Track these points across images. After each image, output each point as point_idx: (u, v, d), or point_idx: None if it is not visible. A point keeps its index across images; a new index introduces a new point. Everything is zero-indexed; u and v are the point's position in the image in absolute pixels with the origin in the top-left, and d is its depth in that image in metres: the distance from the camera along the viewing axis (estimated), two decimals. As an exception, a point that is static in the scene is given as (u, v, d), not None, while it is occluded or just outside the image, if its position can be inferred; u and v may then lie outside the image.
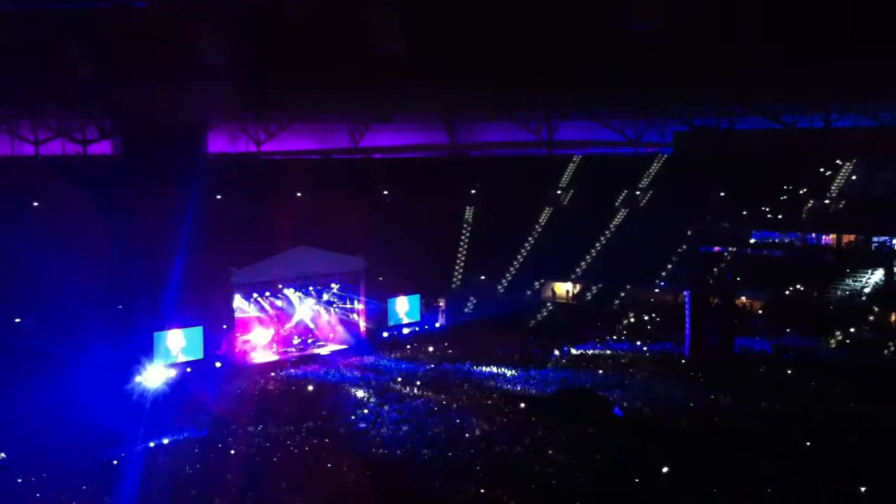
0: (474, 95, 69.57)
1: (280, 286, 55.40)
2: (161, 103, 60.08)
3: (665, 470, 32.73)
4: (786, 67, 53.84)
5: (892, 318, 54.61)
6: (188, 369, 49.59)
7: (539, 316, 64.74)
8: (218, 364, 50.36)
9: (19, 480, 32.80)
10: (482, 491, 31.63)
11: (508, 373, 50.04)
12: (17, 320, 48.94)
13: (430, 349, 56.35)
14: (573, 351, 54.26)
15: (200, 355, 50.45)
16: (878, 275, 56.84)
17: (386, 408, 43.05)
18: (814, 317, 54.81)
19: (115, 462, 34.91)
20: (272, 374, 50.99)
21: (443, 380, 48.61)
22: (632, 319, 60.29)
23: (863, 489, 30.73)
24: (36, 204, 59.10)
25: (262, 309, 55.18)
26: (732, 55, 50.45)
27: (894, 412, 40.18)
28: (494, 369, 50.80)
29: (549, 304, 66.19)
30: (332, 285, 57.79)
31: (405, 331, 60.07)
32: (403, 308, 60.79)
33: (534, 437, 37.75)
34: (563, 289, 67.93)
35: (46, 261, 49.46)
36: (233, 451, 36.60)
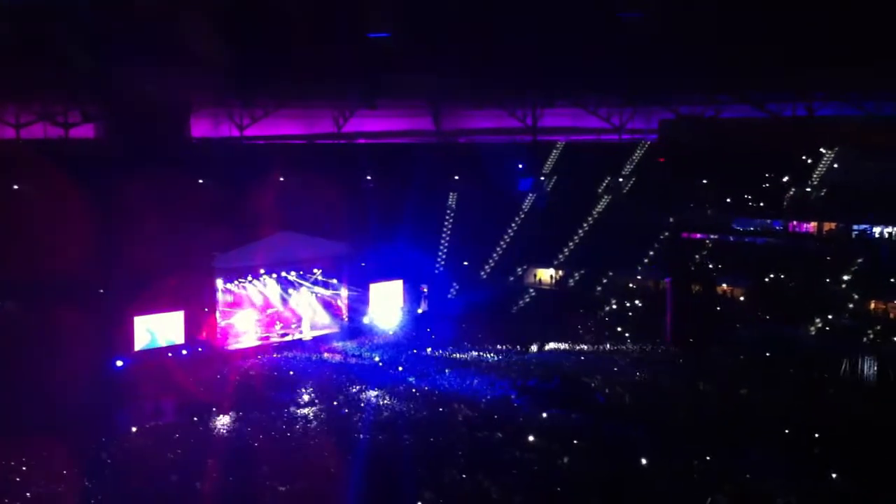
0: (460, 82, 69.65)
1: (262, 271, 55.21)
2: (145, 87, 59.89)
3: (645, 458, 32.96)
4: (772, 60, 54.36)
5: (872, 305, 54.91)
6: (183, 351, 49.56)
7: (522, 302, 64.82)
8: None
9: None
10: (464, 476, 31.75)
11: (490, 358, 50.21)
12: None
13: (413, 334, 56.42)
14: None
15: (182, 340, 50.33)
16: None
17: (368, 393, 43.14)
18: (794, 304, 55.01)
19: (95, 447, 34.82)
20: (254, 359, 50.96)
21: (425, 365, 48.69)
22: (613, 306, 60.41)
23: (834, 475, 31.04)
24: (16, 187, 58.69)
25: (244, 294, 55.02)
26: (716, 43, 50.77)
27: (873, 399, 40.59)
28: (477, 354, 50.98)
29: (531, 290, 66.27)
30: (315, 270, 57.64)
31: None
32: (387, 293, 60.79)
33: (515, 423, 37.91)
34: (546, 275, 67.99)
35: (26, 244, 49.22)
36: (214, 436, 36.60)
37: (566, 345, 53.72)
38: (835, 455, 33.24)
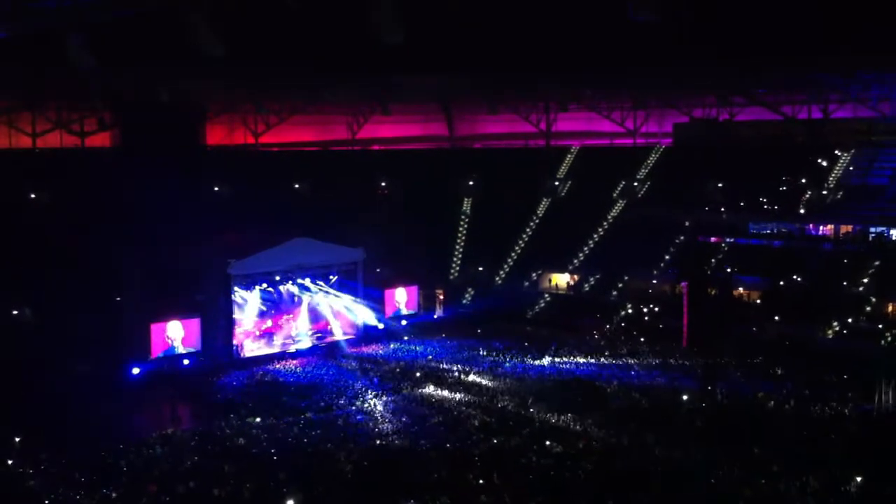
0: (473, 86, 69.73)
1: (278, 277, 55.29)
2: (159, 93, 60.15)
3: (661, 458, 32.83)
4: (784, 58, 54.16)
5: (889, 307, 54.59)
6: (185, 361, 49.64)
7: (537, 307, 64.76)
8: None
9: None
10: (481, 482, 31.67)
11: (506, 363, 50.16)
12: (15, 312, 49.00)
13: (429, 340, 56.43)
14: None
15: (198, 347, 50.45)
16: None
17: (384, 398, 43.13)
18: (811, 306, 54.74)
19: (113, 454, 34.90)
20: (270, 365, 51.02)
21: (441, 370, 48.65)
22: (629, 310, 60.27)
23: (858, 479, 30.78)
24: (33, 196, 59.09)
25: (260, 300, 55.12)
26: (729, 45, 50.64)
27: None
28: (492, 358, 51.03)
29: (546, 294, 66.19)
30: (331, 276, 57.70)
31: (403, 322, 60.01)
32: (402, 299, 60.87)
33: (532, 428, 37.82)
34: (562, 279, 67.90)
35: (43, 252, 49.52)
36: (230, 443, 36.62)
37: (582, 349, 53.52)
38: (853, 458, 32.99)
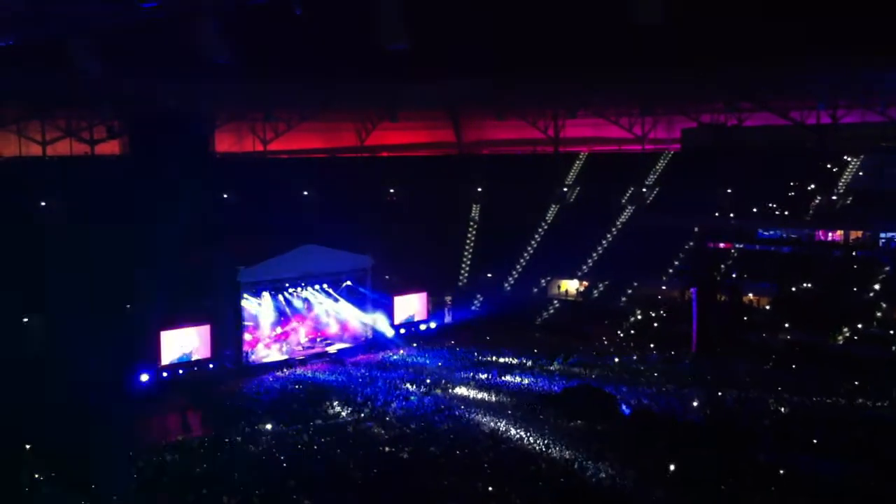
0: (479, 93, 69.78)
1: (287, 284, 55.34)
2: (168, 101, 60.30)
3: (672, 467, 32.78)
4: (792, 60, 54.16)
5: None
6: (210, 365, 49.69)
7: (546, 313, 64.70)
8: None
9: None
10: (490, 489, 31.65)
11: (516, 370, 50.11)
12: (25, 320, 49.13)
13: (438, 347, 56.39)
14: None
15: (208, 354, 50.50)
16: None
17: (393, 405, 43.11)
18: (821, 313, 54.59)
19: (122, 460, 34.96)
20: (279, 372, 51.06)
21: (449, 377, 48.61)
22: (639, 316, 60.17)
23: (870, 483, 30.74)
24: (43, 204, 59.27)
25: (269, 307, 55.16)
26: (739, 49, 50.68)
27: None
28: (502, 365, 50.98)
29: (555, 301, 66.15)
30: (340, 283, 57.71)
31: (412, 328, 59.99)
32: (411, 306, 60.82)
33: (541, 435, 37.78)
34: (571, 286, 67.86)
35: (53, 260, 49.62)
36: (240, 450, 36.65)
37: (591, 355, 53.45)
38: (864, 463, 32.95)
